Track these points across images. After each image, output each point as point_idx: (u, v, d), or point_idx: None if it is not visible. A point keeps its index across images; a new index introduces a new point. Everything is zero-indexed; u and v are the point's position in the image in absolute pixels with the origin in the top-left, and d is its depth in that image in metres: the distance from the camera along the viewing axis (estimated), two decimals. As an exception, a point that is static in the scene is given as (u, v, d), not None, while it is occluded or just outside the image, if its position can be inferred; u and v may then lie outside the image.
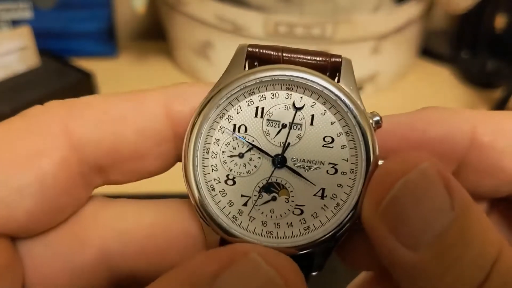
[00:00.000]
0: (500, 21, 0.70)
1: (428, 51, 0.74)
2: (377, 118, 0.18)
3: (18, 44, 0.60)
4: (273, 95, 0.18)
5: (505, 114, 0.19)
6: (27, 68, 0.62)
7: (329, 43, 0.59)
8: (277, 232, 0.17)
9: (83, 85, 0.62)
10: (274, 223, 0.17)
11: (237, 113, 0.18)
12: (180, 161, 0.18)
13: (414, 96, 0.67)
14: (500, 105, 0.58)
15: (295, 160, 0.17)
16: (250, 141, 0.18)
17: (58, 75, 0.62)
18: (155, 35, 0.77)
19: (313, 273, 0.18)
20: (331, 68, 0.18)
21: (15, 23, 0.66)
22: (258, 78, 0.17)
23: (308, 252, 0.17)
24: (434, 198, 0.15)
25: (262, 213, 0.17)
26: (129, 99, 0.18)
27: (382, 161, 0.18)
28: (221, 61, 0.63)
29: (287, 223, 0.17)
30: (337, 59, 0.18)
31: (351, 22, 0.57)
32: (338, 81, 0.18)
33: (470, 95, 0.66)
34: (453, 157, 0.19)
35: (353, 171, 0.17)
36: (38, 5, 0.67)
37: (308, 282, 0.17)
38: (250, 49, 0.18)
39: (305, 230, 0.17)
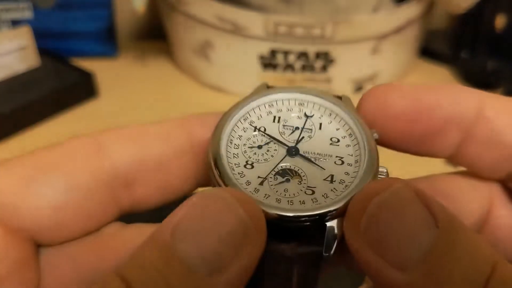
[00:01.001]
0: (500, 21, 0.70)
1: (428, 51, 0.74)
2: (375, 134, 0.20)
3: (18, 44, 0.60)
4: (288, 109, 0.21)
5: (510, 98, 0.21)
6: (27, 68, 0.62)
7: (329, 43, 0.59)
8: (290, 207, 0.19)
9: (83, 85, 0.62)
10: (288, 200, 0.19)
11: (258, 119, 0.21)
12: (200, 178, 0.21)
13: (414, 96, 0.67)
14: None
15: (306, 153, 0.20)
16: (269, 134, 0.20)
17: (58, 75, 0.62)
18: (155, 35, 0.77)
19: (325, 254, 0.19)
20: None
21: (15, 23, 0.66)
22: (277, 94, 0.21)
23: (320, 229, 0.18)
24: (414, 216, 0.16)
25: (277, 191, 0.19)
26: (155, 123, 0.20)
27: (384, 168, 0.20)
28: (221, 61, 0.63)
29: (300, 201, 0.19)
30: (338, 98, 0.22)
31: (351, 22, 0.57)
32: None
33: (470, 95, 0.66)
34: (459, 127, 0.20)
35: (357, 162, 0.20)
36: (38, 5, 0.67)
37: (322, 264, 0.18)
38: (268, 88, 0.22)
39: (318, 206, 0.19)
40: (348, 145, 0.20)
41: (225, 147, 0.20)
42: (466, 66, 0.71)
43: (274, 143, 0.20)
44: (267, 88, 0.22)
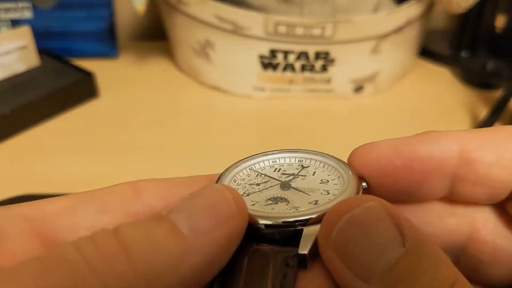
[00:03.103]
0: (500, 21, 0.70)
1: (428, 51, 0.74)
2: (364, 184, 0.22)
3: (17, 44, 0.60)
4: (289, 164, 0.24)
5: (490, 130, 0.21)
6: (27, 68, 0.62)
7: (329, 43, 0.59)
8: (271, 214, 0.21)
9: (83, 85, 0.62)
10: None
11: (262, 170, 0.24)
12: None
13: (414, 96, 0.67)
14: (500, 105, 0.58)
15: (297, 187, 0.22)
16: (266, 174, 0.23)
17: (58, 75, 0.62)
18: (155, 35, 0.77)
19: (300, 253, 0.20)
20: None
21: (14, 23, 0.66)
22: (283, 154, 0.24)
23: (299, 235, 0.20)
24: (382, 232, 0.17)
25: (265, 210, 0.21)
26: (182, 177, 0.22)
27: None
28: (221, 61, 0.63)
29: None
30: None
31: (351, 22, 0.57)
32: None
33: (470, 95, 0.66)
34: (444, 172, 0.21)
35: (342, 191, 0.21)
36: (38, 5, 0.67)
37: (297, 265, 0.20)
38: None
39: (296, 213, 0.21)
40: (336, 184, 0.22)
41: (228, 182, 0.22)
42: (466, 66, 0.71)
43: (271, 182, 0.23)
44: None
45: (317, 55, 0.60)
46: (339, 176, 0.22)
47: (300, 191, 0.22)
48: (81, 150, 0.55)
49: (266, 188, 0.22)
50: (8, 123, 0.55)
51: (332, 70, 0.62)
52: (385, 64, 0.64)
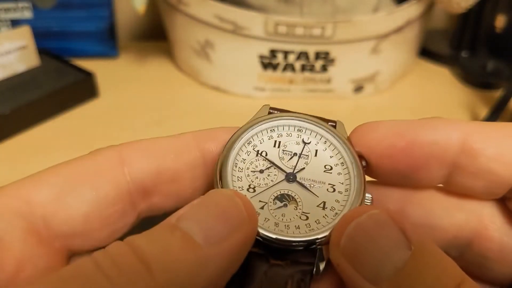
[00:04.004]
0: (500, 21, 0.70)
1: (428, 51, 0.74)
2: (363, 162, 0.22)
3: (18, 44, 0.60)
4: (287, 134, 0.23)
5: (495, 124, 0.21)
6: (27, 68, 0.62)
7: (329, 43, 0.59)
8: (287, 231, 0.21)
9: (83, 85, 0.62)
10: (285, 225, 0.21)
11: (260, 143, 0.23)
12: (210, 189, 0.22)
13: (414, 96, 0.67)
14: (500, 105, 0.58)
15: (302, 179, 0.22)
16: (269, 160, 0.22)
17: (58, 75, 0.62)
18: (155, 35, 0.77)
19: (315, 273, 0.21)
20: None
21: (15, 23, 0.66)
22: (278, 121, 0.23)
23: (312, 251, 0.21)
24: (388, 237, 0.18)
25: (275, 216, 0.21)
26: (168, 137, 0.22)
27: (369, 194, 0.22)
28: (221, 61, 0.63)
29: (295, 226, 0.21)
30: (332, 123, 0.24)
31: (351, 22, 0.57)
32: None
33: (470, 95, 0.66)
34: (444, 159, 0.21)
35: (347, 190, 0.22)
36: (38, 5, 0.67)
37: (311, 282, 0.21)
38: (271, 111, 0.24)
39: (310, 231, 0.21)
40: (340, 173, 0.22)
41: (231, 171, 0.22)
42: (466, 66, 0.71)
43: (274, 168, 0.22)
44: (269, 109, 0.24)
45: (317, 55, 0.60)
46: (342, 163, 0.22)
47: (306, 188, 0.22)
48: (81, 150, 0.54)
49: (272, 180, 0.22)
50: (8, 123, 0.55)
51: (332, 70, 0.62)
52: (385, 64, 0.64)
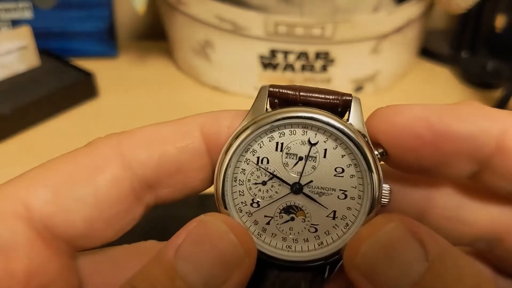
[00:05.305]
0: (500, 21, 0.70)
1: (428, 51, 0.74)
2: (381, 150, 0.20)
3: (18, 44, 0.60)
4: (291, 132, 0.20)
5: None
6: (27, 68, 0.62)
7: (329, 43, 0.59)
8: (295, 247, 0.20)
9: (83, 85, 0.62)
10: (293, 239, 0.20)
11: (260, 147, 0.20)
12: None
13: (414, 96, 0.67)
14: (500, 105, 0.58)
15: (310, 187, 0.20)
16: (271, 171, 0.20)
17: (58, 75, 0.62)
18: (155, 35, 0.77)
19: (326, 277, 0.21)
20: (343, 105, 0.20)
21: (15, 23, 0.66)
22: (278, 119, 0.20)
23: (321, 265, 0.20)
24: (405, 252, 0.17)
25: (283, 230, 0.20)
26: (170, 123, 0.21)
27: (387, 185, 0.20)
28: (221, 61, 0.63)
29: (304, 239, 0.20)
30: (347, 98, 0.20)
31: (351, 22, 0.57)
32: (349, 116, 0.20)
33: (470, 95, 0.66)
34: (475, 158, 0.18)
35: (360, 197, 0.20)
36: (38, 5, 0.67)
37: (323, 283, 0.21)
38: (271, 89, 0.21)
39: (319, 245, 0.20)
40: (352, 176, 0.20)
41: (230, 188, 0.20)
42: (466, 66, 0.71)
43: (276, 182, 0.20)
44: (269, 87, 0.21)
45: (317, 55, 0.60)
46: (356, 164, 0.20)
47: (314, 199, 0.20)
48: (81, 150, 0.55)
49: (276, 192, 0.20)
50: (8, 123, 0.55)
51: (332, 70, 0.62)
52: (385, 64, 0.64)
